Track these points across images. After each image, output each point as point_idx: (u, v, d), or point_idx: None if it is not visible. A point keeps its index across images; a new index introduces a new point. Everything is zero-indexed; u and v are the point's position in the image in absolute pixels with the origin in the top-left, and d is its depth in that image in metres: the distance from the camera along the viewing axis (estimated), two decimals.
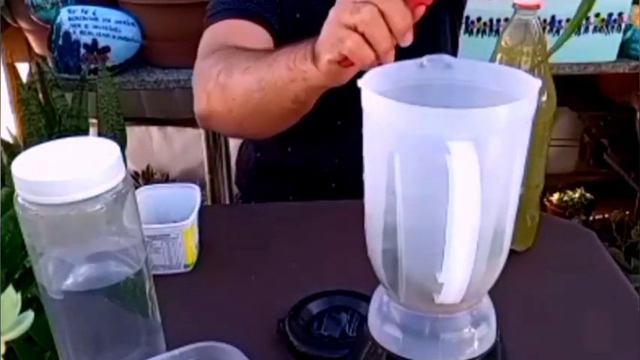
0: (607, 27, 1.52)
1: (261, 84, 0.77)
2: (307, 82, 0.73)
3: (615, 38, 1.54)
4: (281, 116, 0.83)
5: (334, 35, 0.66)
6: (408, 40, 0.64)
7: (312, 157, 1.05)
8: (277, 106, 0.79)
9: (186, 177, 2.19)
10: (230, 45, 0.86)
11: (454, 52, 1.09)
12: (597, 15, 1.51)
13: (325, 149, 1.04)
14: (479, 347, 0.46)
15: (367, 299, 0.50)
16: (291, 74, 0.74)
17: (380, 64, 0.60)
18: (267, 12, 0.93)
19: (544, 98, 0.71)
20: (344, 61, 0.67)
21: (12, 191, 0.48)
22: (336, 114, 1.00)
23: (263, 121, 0.85)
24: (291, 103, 0.77)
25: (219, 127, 0.91)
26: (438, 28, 1.03)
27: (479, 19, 1.47)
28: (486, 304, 0.48)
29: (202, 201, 0.80)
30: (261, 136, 0.99)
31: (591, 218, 2.17)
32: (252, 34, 0.90)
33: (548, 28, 1.50)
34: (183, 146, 2.25)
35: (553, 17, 1.49)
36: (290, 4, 0.96)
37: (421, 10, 0.64)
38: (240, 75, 0.80)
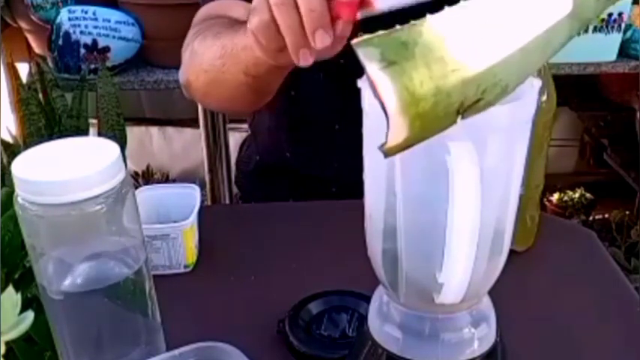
0: (607, 27, 1.52)
1: (223, 50, 0.74)
2: (253, 52, 0.67)
3: (615, 38, 1.54)
4: (236, 89, 0.78)
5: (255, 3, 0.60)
6: (320, 40, 0.55)
7: (311, 161, 1.05)
8: (232, 76, 0.75)
9: (186, 177, 2.19)
10: (223, 15, 0.84)
11: None
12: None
13: (325, 153, 1.04)
14: (479, 347, 0.46)
15: (367, 299, 0.50)
16: (244, 40, 0.69)
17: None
18: None
19: (544, 98, 0.71)
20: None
21: (12, 191, 0.48)
22: (334, 118, 1.00)
23: (221, 92, 0.81)
24: (243, 75, 0.73)
25: (194, 97, 0.90)
26: None
27: None
28: (486, 304, 0.48)
29: (202, 201, 0.80)
30: (223, 110, 0.94)
31: (591, 218, 2.18)
32: (245, 13, 0.88)
33: None
34: (183, 146, 2.25)
35: None
36: None
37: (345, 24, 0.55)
38: (211, 40, 0.78)
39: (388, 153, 0.33)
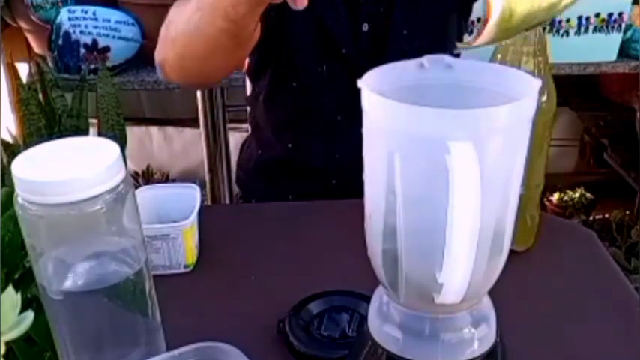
0: (607, 27, 1.52)
1: (199, 4, 0.78)
2: None
3: (615, 38, 1.54)
4: (216, 40, 0.80)
5: None
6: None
7: (312, 153, 1.05)
8: (212, 26, 0.77)
9: (186, 177, 2.19)
10: None
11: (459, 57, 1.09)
12: (597, 15, 1.51)
13: (326, 145, 1.04)
14: (479, 347, 0.46)
15: (367, 299, 0.50)
16: None
17: None
18: None
19: (544, 98, 0.71)
20: None
21: (12, 191, 0.48)
22: (336, 109, 1.00)
23: (201, 48, 0.83)
24: (223, 22, 0.75)
25: (169, 71, 0.91)
26: (447, 34, 1.03)
27: (479, 19, 1.47)
28: (486, 304, 0.48)
29: (202, 201, 0.80)
30: (204, 74, 0.94)
31: (591, 218, 2.18)
32: None
33: (548, 28, 1.50)
34: (183, 146, 2.25)
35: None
36: None
37: None
38: (184, 2, 0.82)
39: (466, 47, 0.49)
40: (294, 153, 1.06)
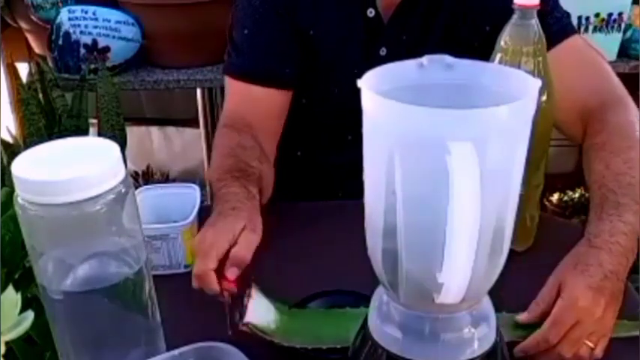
0: (607, 27, 1.52)
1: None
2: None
3: (615, 38, 1.54)
4: None
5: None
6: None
7: (319, 166, 1.05)
8: None
9: (186, 177, 2.19)
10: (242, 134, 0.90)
11: None
12: (597, 15, 1.51)
13: (334, 160, 1.03)
14: (479, 347, 0.46)
15: (367, 299, 0.50)
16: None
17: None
18: (281, 54, 0.94)
19: (544, 98, 0.71)
20: None
21: (12, 191, 0.48)
22: (348, 128, 0.99)
23: None
24: None
25: None
26: None
27: None
28: (486, 304, 0.48)
29: (202, 201, 0.80)
30: None
31: None
32: (263, 106, 0.94)
33: None
34: (183, 146, 2.24)
35: None
36: (306, 22, 0.95)
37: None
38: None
39: None
40: (302, 162, 1.06)
